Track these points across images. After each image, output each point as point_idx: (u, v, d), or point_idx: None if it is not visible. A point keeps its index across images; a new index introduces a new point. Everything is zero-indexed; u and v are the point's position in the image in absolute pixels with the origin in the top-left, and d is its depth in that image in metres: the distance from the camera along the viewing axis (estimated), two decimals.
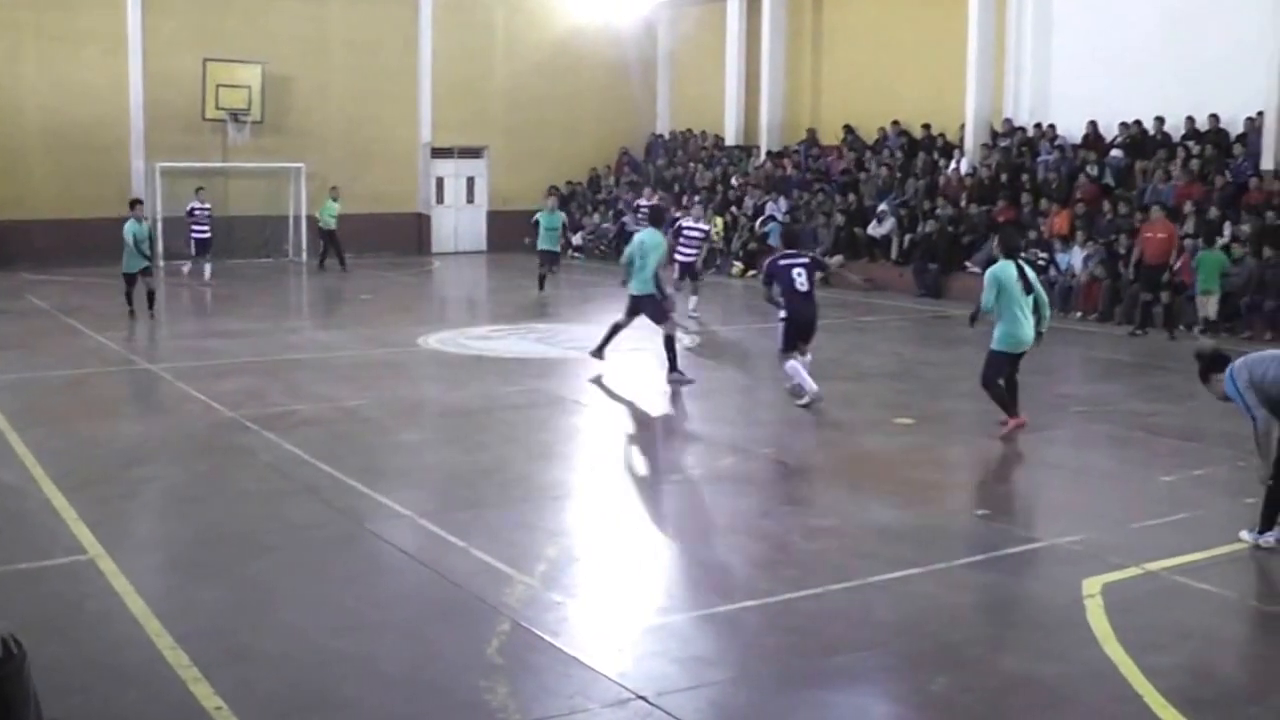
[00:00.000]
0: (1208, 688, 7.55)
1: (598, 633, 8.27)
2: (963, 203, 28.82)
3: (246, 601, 8.72)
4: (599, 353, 17.74)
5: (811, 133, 35.70)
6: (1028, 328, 13.73)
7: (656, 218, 20.12)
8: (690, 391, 16.57)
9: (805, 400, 15.12)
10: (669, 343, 16.86)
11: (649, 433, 14.80)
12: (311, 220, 34.42)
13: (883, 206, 30.11)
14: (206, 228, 29.81)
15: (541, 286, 27.38)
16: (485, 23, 38.11)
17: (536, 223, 28.03)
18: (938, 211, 28.76)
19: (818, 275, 15.82)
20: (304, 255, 34.70)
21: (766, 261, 15.70)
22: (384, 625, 8.32)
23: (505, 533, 10.30)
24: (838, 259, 25.55)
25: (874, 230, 29.85)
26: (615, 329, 17.67)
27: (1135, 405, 16.02)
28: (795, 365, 15.26)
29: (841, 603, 8.68)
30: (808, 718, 7.07)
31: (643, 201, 31.34)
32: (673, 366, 16.73)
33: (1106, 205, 25.86)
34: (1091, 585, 9.06)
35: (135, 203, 24.43)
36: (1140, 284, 22.59)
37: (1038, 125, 30.06)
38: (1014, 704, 7.24)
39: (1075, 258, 24.94)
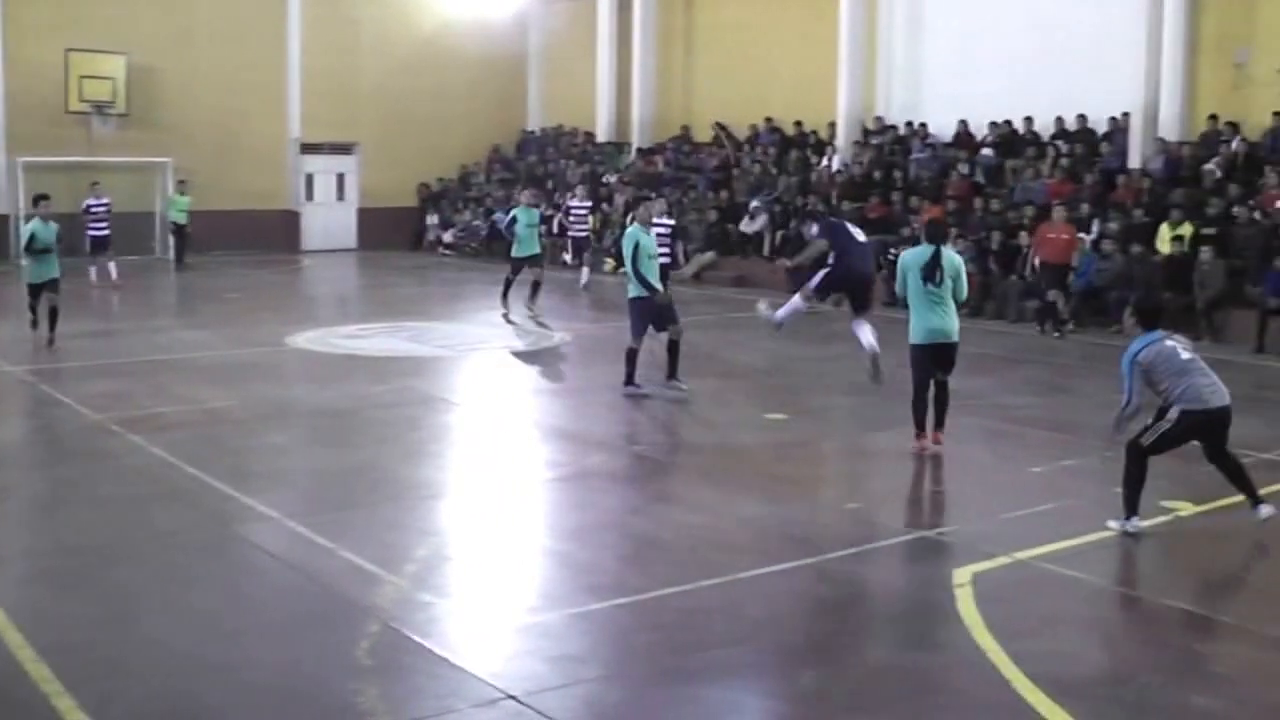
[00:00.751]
0: (1075, 672, 7.65)
1: (468, 633, 8.24)
2: (835, 199, 29.02)
3: (112, 611, 8.54)
4: (652, 384, 15.79)
5: (685, 129, 35.80)
6: (938, 317, 12.71)
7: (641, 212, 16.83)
8: (560, 389, 16.57)
9: (870, 361, 14.85)
10: (672, 348, 15.74)
11: (520, 431, 14.72)
12: None
13: (755, 203, 30.21)
14: (105, 225, 28.98)
15: (534, 295, 22.33)
16: (354, 17, 37.74)
17: (513, 220, 22.95)
18: (810, 208, 28.93)
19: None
20: (171, 252, 34.06)
21: (822, 223, 15.23)
22: (252, 631, 8.20)
23: (375, 533, 10.21)
24: (710, 255, 25.70)
25: (746, 227, 29.91)
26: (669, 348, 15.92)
27: (1006, 399, 16.21)
28: (796, 304, 15.29)
29: (713, 598, 8.69)
30: (679, 714, 7.07)
31: (574, 203, 29.03)
32: (670, 373, 15.72)
33: (978, 203, 26.25)
34: (962, 575, 9.18)
35: (39, 198, 20.56)
36: (1044, 283, 22.66)
37: (909, 123, 30.41)
38: (884, 694, 7.30)
39: None
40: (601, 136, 38.09)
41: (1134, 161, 25.96)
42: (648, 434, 14.41)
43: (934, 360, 12.83)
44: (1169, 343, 10.31)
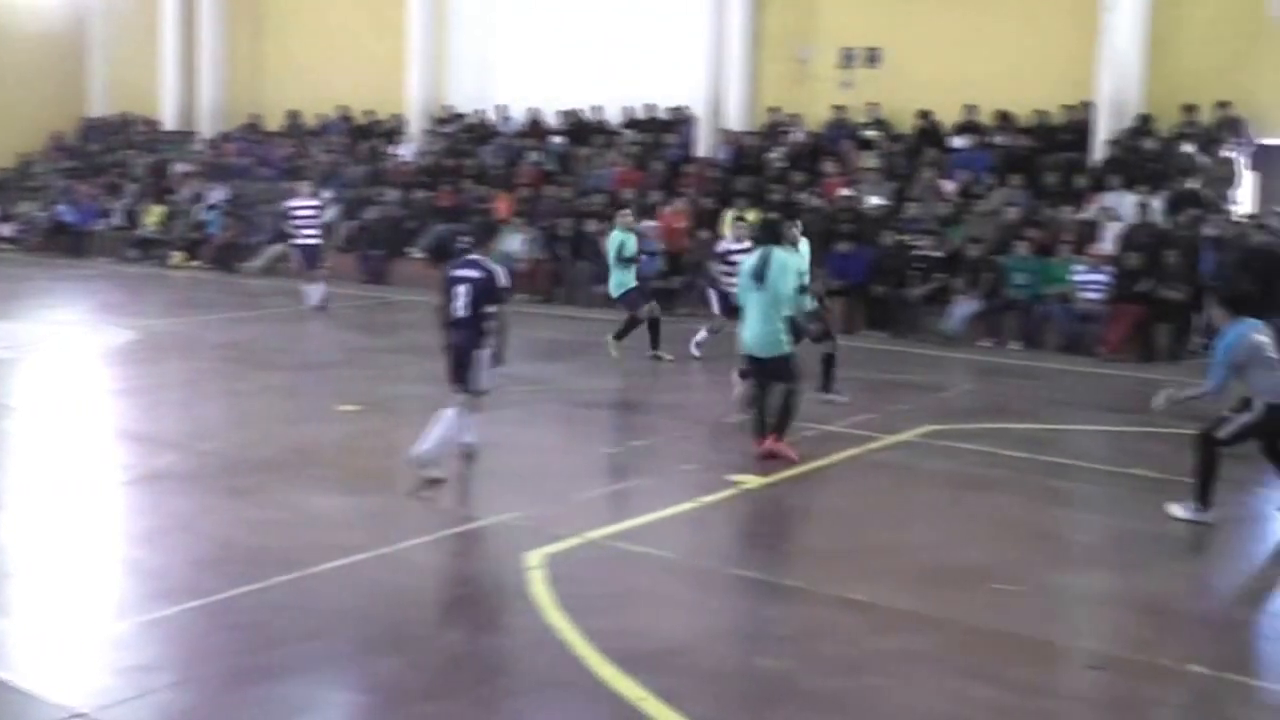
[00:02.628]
0: (646, 645, 7.87)
1: (33, 651, 7.87)
2: (407, 189, 29.02)
3: None
4: None
5: (255, 118, 35.17)
6: (751, 326, 12.26)
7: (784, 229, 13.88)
8: (126, 389, 16.11)
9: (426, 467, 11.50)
10: (829, 360, 15.18)
11: (85, 434, 14.13)
12: None
13: (327, 193, 29.93)
14: None
15: (655, 343, 18.32)
16: None
17: (621, 246, 18.33)
18: (382, 198, 28.86)
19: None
20: None
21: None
22: None
23: None
24: (281, 248, 25.34)
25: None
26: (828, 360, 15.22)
27: (577, 382, 16.48)
28: (443, 416, 11.58)
29: (287, 594, 8.60)
30: (254, 714, 6.97)
31: (298, 203, 23.39)
32: (825, 386, 15.13)
33: (549, 190, 26.64)
34: (535, 558, 9.30)
35: None
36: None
37: (480, 112, 30.59)
38: (459, 678, 7.37)
39: (517, 242, 25.54)
40: (168, 124, 37.08)
41: (701, 150, 26.84)
42: (218, 431, 14.04)
43: (755, 371, 12.45)
44: (1259, 336, 10.53)
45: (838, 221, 22.67)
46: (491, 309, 11.55)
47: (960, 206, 22.69)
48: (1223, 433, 10.48)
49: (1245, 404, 10.52)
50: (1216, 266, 19.09)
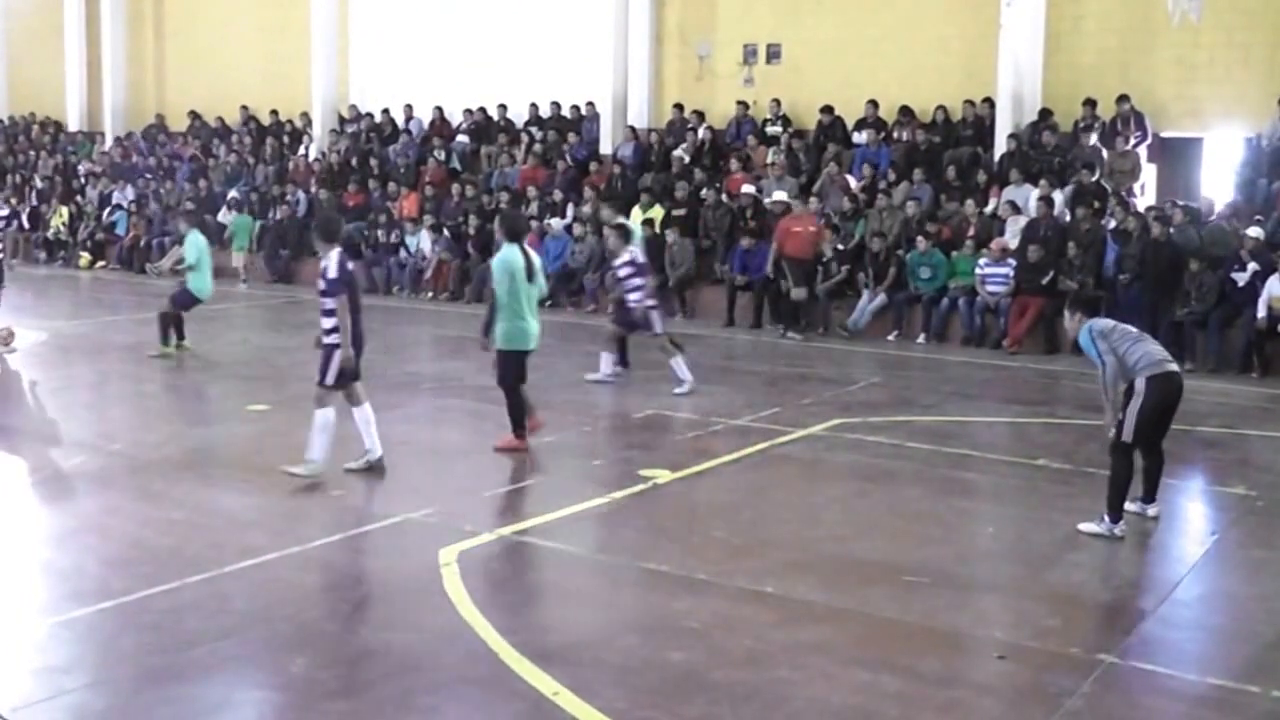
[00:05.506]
0: (559, 639, 7.95)
1: None
2: (313, 188, 28.89)
3: None
4: None
5: (160, 118, 34.86)
6: (536, 320, 12.56)
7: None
8: (37, 390, 15.92)
9: (303, 469, 11.54)
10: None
11: None
12: None
13: (233, 193, 29.77)
14: None
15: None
16: None
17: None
18: (288, 197, 28.70)
19: None
20: None
21: (339, 274, 11.57)
22: None
23: None
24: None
25: (224, 218, 29.43)
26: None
27: (485, 379, 16.41)
28: (363, 415, 11.84)
29: (198, 595, 8.57)
30: (168, 714, 6.94)
31: None
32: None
33: (455, 189, 26.62)
34: (447, 554, 9.35)
35: None
36: (791, 280, 21.18)
37: (385, 111, 30.50)
38: (372, 673, 7.38)
39: (424, 240, 25.53)
40: (73, 126, 36.72)
41: (606, 148, 26.93)
42: (128, 432, 13.96)
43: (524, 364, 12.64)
44: (1106, 322, 10.53)
45: (741, 217, 22.83)
46: None
47: (864, 201, 22.91)
48: (1126, 435, 10.27)
49: (1130, 392, 10.32)
50: (1118, 258, 19.38)
